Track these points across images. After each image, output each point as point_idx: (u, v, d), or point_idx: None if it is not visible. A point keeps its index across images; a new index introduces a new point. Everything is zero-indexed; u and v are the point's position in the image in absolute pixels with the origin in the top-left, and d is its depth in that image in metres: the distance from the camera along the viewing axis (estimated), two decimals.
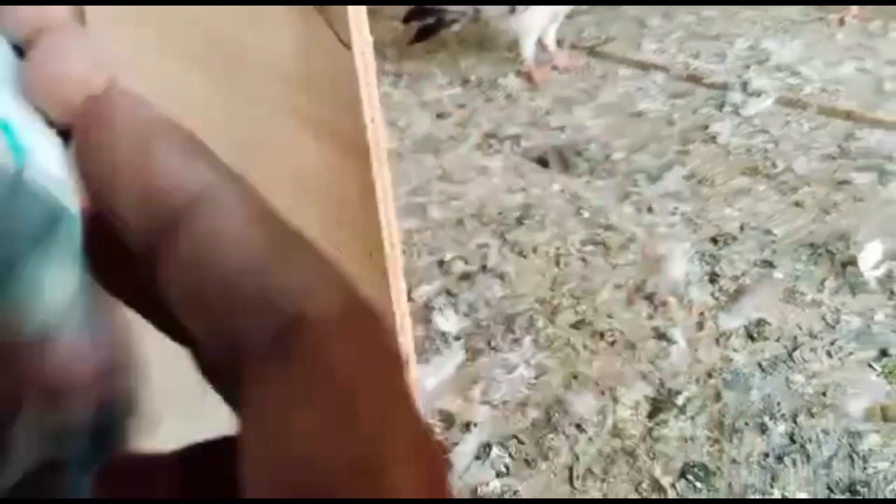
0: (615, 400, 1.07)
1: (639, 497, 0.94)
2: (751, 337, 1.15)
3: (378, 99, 0.65)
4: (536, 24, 2.22)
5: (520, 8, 2.20)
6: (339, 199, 0.74)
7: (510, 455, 1.02)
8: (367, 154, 0.67)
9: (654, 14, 2.60)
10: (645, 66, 2.23)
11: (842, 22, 2.34)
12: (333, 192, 0.75)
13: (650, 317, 1.22)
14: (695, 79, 2.11)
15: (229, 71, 0.77)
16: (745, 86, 1.98)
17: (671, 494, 0.93)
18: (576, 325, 1.22)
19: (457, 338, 1.23)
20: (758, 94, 1.93)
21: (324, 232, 0.77)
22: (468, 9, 2.32)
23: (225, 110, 0.81)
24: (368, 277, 0.75)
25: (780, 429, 1.00)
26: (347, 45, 0.62)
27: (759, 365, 1.10)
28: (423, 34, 2.41)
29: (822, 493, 0.91)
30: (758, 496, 0.91)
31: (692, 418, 1.03)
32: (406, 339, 0.80)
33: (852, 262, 1.28)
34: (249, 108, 0.78)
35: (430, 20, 2.35)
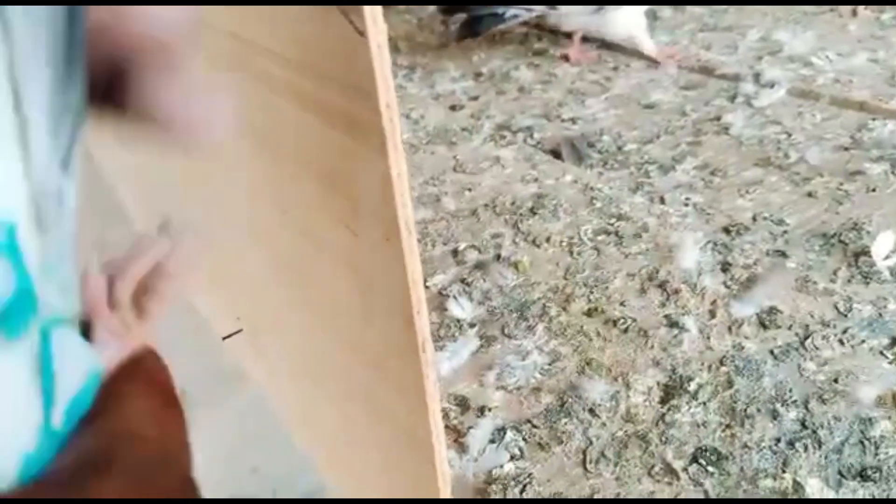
0: (628, 386, 1.08)
1: (652, 481, 0.95)
2: (763, 325, 1.16)
3: (393, 88, 0.67)
4: (634, 20, 2.20)
5: (608, 7, 2.18)
6: (355, 186, 0.75)
7: (524, 439, 1.03)
8: (382, 140, 0.68)
9: (665, 6, 2.60)
10: (656, 58, 2.23)
11: (854, 13, 2.34)
12: (350, 179, 0.77)
13: (662, 305, 1.23)
14: (707, 70, 2.11)
15: (245, 64, 0.79)
16: (757, 77, 1.98)
17: (683, 478, 0.95)
18: (589, 313, 1.24)
19: (471, 325, 1.24)
20: (770, 85, 1.93)
21: (341, 217, 0.78)
22: (537, 8, 2.25)
23: (242, 103, 0.83)
24: (385, 262, 0.76)
25: (791, 415, 1.00)
26: (362, 33, 0.64)
27: (771, 352, 1.11)
28: (469, 30, 2.36)
29: (833, 478, 0.92)
30: (769, 480, 0.92)
31: (704, 404, 1.04)
32: (422, 323, 0.81)
33: (865, 251, 1.29)
34: (266, 100, 0.79)
35: (477, 14, 2.29)
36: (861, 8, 2.33)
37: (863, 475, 0.91)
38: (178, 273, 0.45)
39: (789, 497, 0.90)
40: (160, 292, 0.44)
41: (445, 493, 0.86)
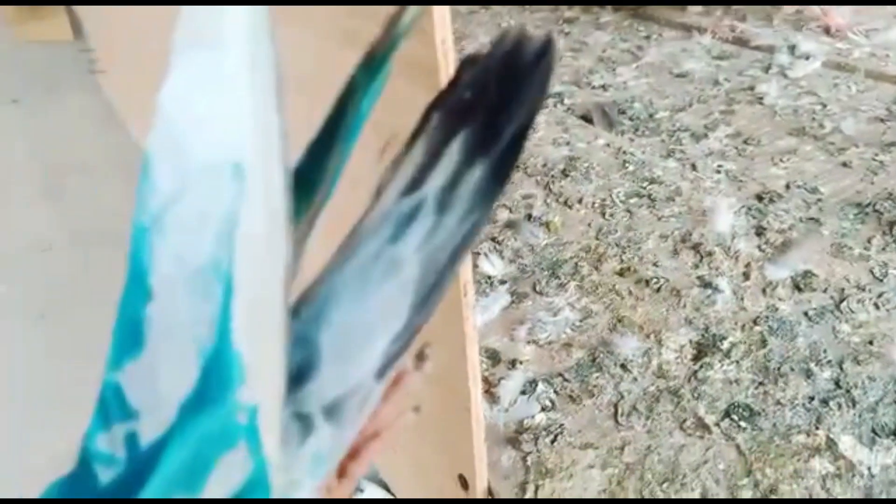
0: (660, 343, 1.08)
1: (684, 434, 0.95)
2: (797, 287, 1.16)
3: (450, 24, 0.66)
4: None
5: None
6: (402, 125, 0.75)
7: (555, 391, 1.03)
8: (436, 78, 0.68)
9: None
10: (689, 28, 2.21)
11: None
12: (397, 118, 0.76)
13: (696, 266, 1.23)
14: (741, 41, 2.09)
15: (293, 11, 0.78)
16: (792, 49, 1.96)
17: (715, 433, 0.95)
18: (621, 273, 1.23)
19: (502, 282, 1.25)
20: (805, 56, 1.91)
21: (387, 160, 0.78)
22: None
23: (285, 41, 0.82)
24: None
25: (825, 374, 1.00)
26: None
27: (806, 314, 1.11)
28: None
29: (867, 437, 0.92)
30: (802, 437, 0.93)
31: (737, 362, 1.04)
32: (465, 266, 0.82)
33: None
34: (313, 45, 0.78)
35: None
36: None
37: None
38: (392, 430, 0.38)
39: (822, 452, 0.91)
40: (369, 454, 0.37)
41: (479, 439, 0.87)
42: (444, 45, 0.69)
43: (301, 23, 0.79)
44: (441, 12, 0.67)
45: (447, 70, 0.69)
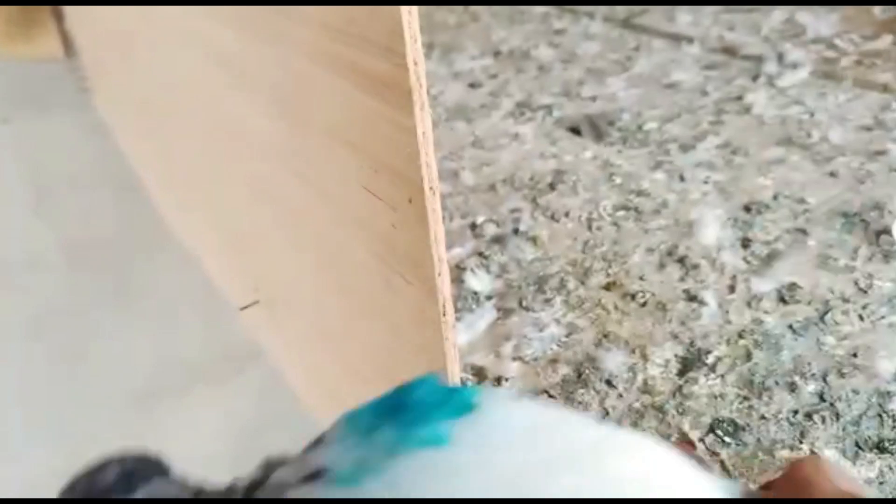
0: (645, 358, 1.08)
1: None
2: (783, 300, 1.16)
3: (420, 46, 0.66)
4: None
5: None
6: (381, 148, 0.75)
7: None
8: (409, 98, 0.68)
9: None
10: (679, 38, 2.22)
11: None
12: (376, 142, 0.77)
13: (682, 279, 1.23)
14: (729, 51, 2.09)
15: (285, 35, 0.78)
16: (780, 58, 1.96)
17: (700, 448, 0.95)
18: (607, 287, 1.24)
19: (488, 297, 1.25)
20: (793, 66, 1.91)
21: (364, 179, 0.78)
22: None
23: (266, 61, 0.83)
24: (408, 223, 0.76)
25: (810, 388, 1.00)
26: None
27: (791, 327, 1.11)
28: None
29: (850, 450, 0.92)
30: (786, 451, 0.93)
31: (722, 376, 1.04)
32: (443, 285, 0.82)
33: (886, 230, 1.28)
34: (301, 69, 0.79)
35: None
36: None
37: (880, 447, 0.91)
38: None
39: None
40: None
41: None
42: (416, 66, 0.69)
43: (285, 44, 0.79)
44: (412, 34, 0.68)
45: (420, 91, 0.70)
